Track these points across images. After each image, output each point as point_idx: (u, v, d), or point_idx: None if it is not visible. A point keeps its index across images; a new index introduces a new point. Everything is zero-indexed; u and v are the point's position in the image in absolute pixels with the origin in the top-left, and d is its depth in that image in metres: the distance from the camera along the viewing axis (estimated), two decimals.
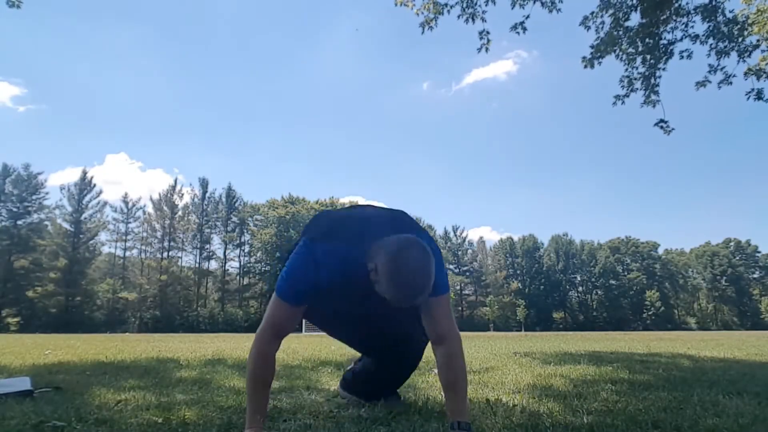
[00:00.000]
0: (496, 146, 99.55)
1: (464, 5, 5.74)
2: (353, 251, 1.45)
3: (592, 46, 6.25)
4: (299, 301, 1.51)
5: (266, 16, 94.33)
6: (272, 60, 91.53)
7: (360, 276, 1.41)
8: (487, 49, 6.01)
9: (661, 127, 6.12)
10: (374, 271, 1.36)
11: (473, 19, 5.82)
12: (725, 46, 6.00)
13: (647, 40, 5.99)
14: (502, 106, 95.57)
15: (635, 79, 6.35)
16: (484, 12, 5.80)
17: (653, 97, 6.33)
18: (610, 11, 6.05)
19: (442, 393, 1.87)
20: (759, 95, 5.85)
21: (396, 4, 5.75)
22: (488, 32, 5.92)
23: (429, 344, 1.70)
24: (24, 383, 2.40)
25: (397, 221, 1.58)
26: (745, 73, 6.05)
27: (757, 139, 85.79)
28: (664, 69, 6.22)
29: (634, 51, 6.20)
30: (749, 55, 6.00)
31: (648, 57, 6.17)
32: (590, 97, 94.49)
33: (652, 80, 6.29)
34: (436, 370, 2.99)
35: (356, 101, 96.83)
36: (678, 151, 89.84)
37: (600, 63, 6.27)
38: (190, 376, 3.04)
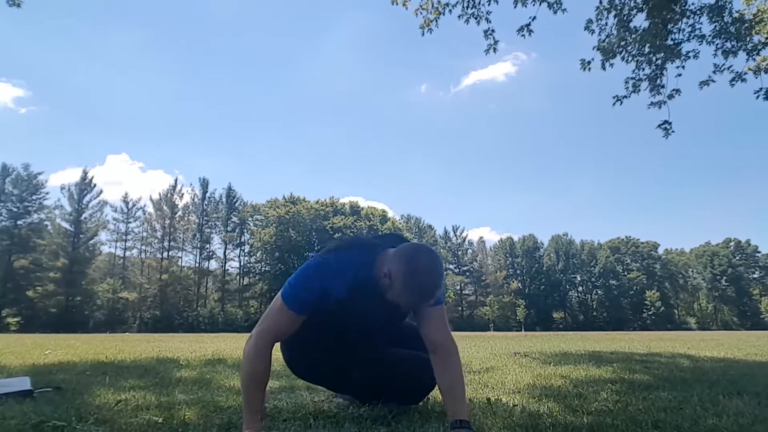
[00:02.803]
0: (496, 147, 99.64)
1: (465, 5, 5.70)
2: (364, 257, 1.53)
3: (598, 49, 6.20)
4: (303, 311, 1.52)
5: (266, 17, 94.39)
6: (272, 61, 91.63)
7: (373, 280, 1.48)
8: (495, 49, 5.93)
9: (665, 129, 6.09)
10: (387, 277, 1.42)
11: (477, 20, 5.76)
12: (732, 46, 5.97)
13: (655, 40, 5.95)
14: (501, 107, 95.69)
15: (640, 80, 6.31)
16: (488, 13, 5.74)
17: (659, 97, 6.29)
18: (614, 12, 6.01)
19: (441, 396, 1.88)
20: None
21: (392, 3, 5.68)
22: (493, 31, 5.86)
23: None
24: (24, 383, 2.40)
25: (399, 238, 1.68)
26: (755, 72, 6.01)
27: (757, 139, 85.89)
28: (682, 66, 6.12)
29: (640, 52, 6.16)
30: (758, 53, 5.97)
31: (654, 58, 6.13)
32: (590, 97, 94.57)
33: (659, 80, 6.26)
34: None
35: (356, 102, 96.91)
36: (678, 151, 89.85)
37: (612, 65, 6.21)
38: (190, 376, 3.04)
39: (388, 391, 1.90)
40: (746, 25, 5.86)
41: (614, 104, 6.46)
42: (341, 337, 1.77)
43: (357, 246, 1.59)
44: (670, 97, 6.19)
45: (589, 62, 6.30)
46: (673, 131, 6.06)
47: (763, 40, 5.90)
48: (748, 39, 5.91)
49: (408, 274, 1.38)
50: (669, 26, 5.87)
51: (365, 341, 1.82)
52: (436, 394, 2.27)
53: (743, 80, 6.03)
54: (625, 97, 6.41)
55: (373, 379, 1.88)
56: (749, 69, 6.06)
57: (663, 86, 6.25)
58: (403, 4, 5.72)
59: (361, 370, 1.85)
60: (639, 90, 6.34)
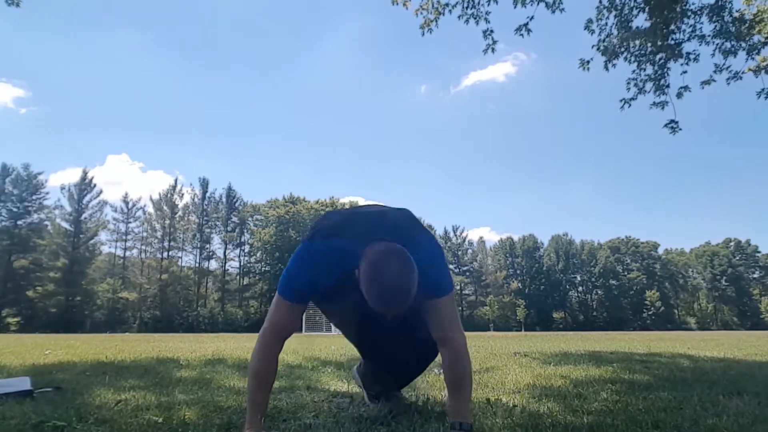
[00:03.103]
0: (496, 147, 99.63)
1: (465, 6, 5.71)
2: (353, 247, 1.43)
3: (598, 49, 6.20)
4: (297, 299, 1.51)
5: (266, 18, 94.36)
6: (273, 62, 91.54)
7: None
8: (493, 50, 5.94)
9: (672, 128, 6.10)
10: (358, 276, 1.37)
11: (476, 20, 5.77)
12: (732, 45, 5.97)
13: (657, 40, 5.95)
14: (501, 108, 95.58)
15: (643, 80, 6.30)
16: (487, 13, 5.75)
17: (663, 97, 6.29)
18: (615, 12, 6.01)
19: (445, 392, 1.88)
20: None
21: (393, 3, 5.70)
22: (492, 31, 5.87)
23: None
24: (24, 383, 2.40)
25: (399, 223, 1.56)
26: (755, 71, 6.01)
27: (757, 139, 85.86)
28: (686, 63, 6.08)
29: (643, 52, 6.16)
30: (758, 53, 5.97)
31: (657, 58, 6.13)
32: (590, 97, 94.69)
33: (662, 81, 6.25)
34: (436, 370, 2.99)
35: (356, 103, 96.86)
36: (678, 151, 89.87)
37: (614, 65, 6.20)
38: (190, 376, 3.04)
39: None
40: (746, 24, 5.86)
41: (622, 107, 6.45)
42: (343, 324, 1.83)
43: (348, 232, 1.49)
44: (679, 95, 6.17)
45: (588, 62, 6.31)
46: (680, 129, 6.08)
47: (763, 39, 5.90)
48: (748, 39, 5.91)
49: (371, 280, 1.30)
50: (671, 26, 5.87)
51: (364, 329, 1.82)
52: (436, 393, 2.27)
53: (739, 78, 6.03)
54: (633, 99, 6.40)
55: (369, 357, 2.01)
56: (749, 69, 6.07)
57: (667, 86, 6.26)
58: (404, 4, 5.73)
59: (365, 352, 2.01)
60: (645, 91, 6.33)
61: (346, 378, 2.88)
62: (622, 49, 6.16)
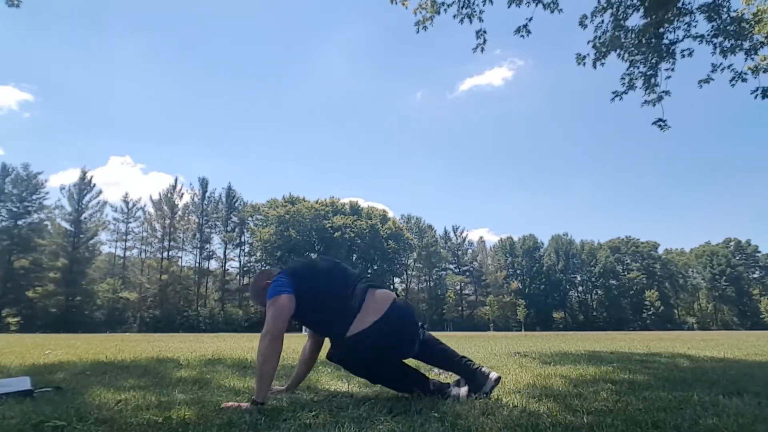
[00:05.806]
0: (496, 148, 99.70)
1: (461, 4, 5.73)
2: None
3: (594, 47, 6.22)
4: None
5: (267, 21, 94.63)
6: (273, 65, 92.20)
7: None
8: (482, 49, 5.98)
9: (659, 126, 6.14)
10: None
11: (470, 19, 5.79)
12: (731, 45, 5.98)
13: (649, 39, 5.97)
14: (500, 109, 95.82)
15: (636, 78, 6.35)
16: (481, 12, 5.78)
17: (653, 96, 6.32)
18: (610, 11, 6.03)
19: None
20: (765, 93, 5.80)
21: (391, 2, 5.72)
22: (485, 31, 5.91)
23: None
24: (24, 383, 2.40)
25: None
26: (753, 71, 6.02)
27: (757, 139, 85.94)
28: (672, 69, 6.18)
29: (635, 50, 6.19)
30: (755, 53, 5.98)
31: (649, 56, 6.16)
32: (590, 97, 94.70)
33: (653, 80, 6.29)
34: (436, 370, 3.00)
35: (356, 105, 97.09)
36: (678, 151, 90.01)
37: (603, 64, 6.26)
38: (190, 376, 3.04)
39: None
40: (744, 24, 5.86)
41: (612, 100, 6.50)
42: None
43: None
44: (659, 98, 6.24)
45: (584, 57, 6.35)
46: (669, 127, 6.12)
47: (762, 39, 5.90)
48: (747, 38, 5.91)
49: None
50: (661, 29, 5.89)
51: None
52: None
53: (744, 80, 6.03)
54: (624, 93, 6.44)
55: None
56: (748, 68, 6.08)
57: (657, 85, 6.30)
58: (402, 3, 5.75)
59: None
60: (635, 87, 6.38)
61: (346, 378, 2.88)
62: (616, 48, 6.19)
